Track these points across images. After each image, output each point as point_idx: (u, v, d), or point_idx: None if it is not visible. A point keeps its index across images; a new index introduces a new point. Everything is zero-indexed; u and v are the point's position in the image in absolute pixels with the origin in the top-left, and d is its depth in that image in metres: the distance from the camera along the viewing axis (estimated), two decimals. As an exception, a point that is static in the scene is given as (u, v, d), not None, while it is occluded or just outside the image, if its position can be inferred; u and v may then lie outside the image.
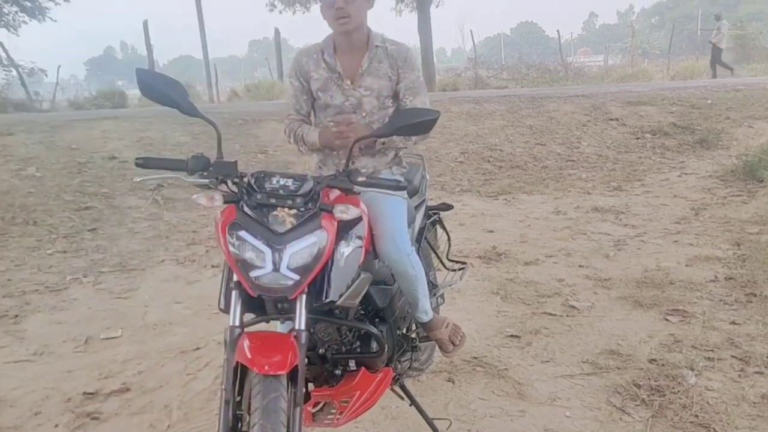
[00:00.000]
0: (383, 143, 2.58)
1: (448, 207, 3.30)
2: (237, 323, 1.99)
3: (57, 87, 22.75)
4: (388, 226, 2.43)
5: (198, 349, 3.67)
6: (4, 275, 5.04)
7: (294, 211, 1.94)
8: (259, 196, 1.97)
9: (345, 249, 2.17)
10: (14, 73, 20.92)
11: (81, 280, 4.96)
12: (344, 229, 2.19)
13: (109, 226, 6.37)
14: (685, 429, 2.64)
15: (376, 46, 2.57)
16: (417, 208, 2.87)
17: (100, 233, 6.19)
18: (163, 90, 2.05)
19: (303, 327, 1.96)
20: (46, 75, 22.84)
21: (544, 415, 2.85)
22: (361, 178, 2.12)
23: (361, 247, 2.24)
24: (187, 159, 2.06)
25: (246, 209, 1.97)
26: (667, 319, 3.85)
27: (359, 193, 2.25)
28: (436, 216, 3.22)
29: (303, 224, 1.93)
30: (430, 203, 3.24)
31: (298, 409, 1.86)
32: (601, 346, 3.52)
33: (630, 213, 6.66)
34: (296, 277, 1.88)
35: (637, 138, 10.41)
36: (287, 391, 1.80)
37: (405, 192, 2.57)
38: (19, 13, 21.17)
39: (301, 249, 1.90)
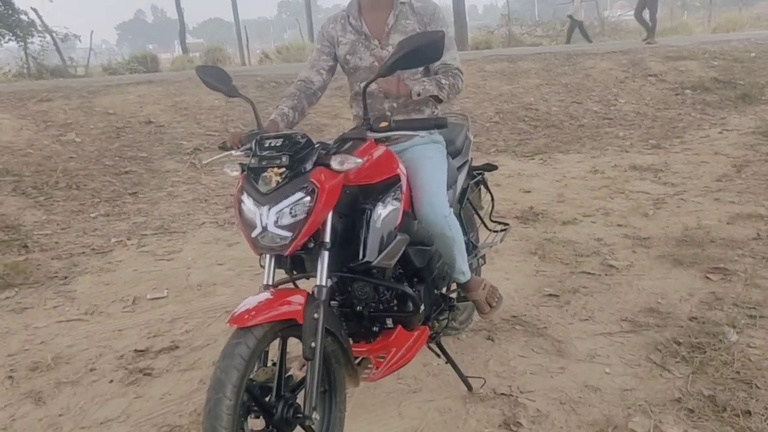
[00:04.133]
0: (418, 96, 2.37)
1: (492, 167, 3.29)
2: (269, 282, 2.06)
3: (91, 52, 22.99)
4: (427, 188, 2.43)
5: (242, 308, 3.76)
6: (51, 238, 5.20)
7: (282, 170, 1.95)
8: (253, 161, 2.00)
9: (382, 210, 2.20)
10: (48, 39, 21.17)
11: (125, 243, 5.10)
12: (382, 190, 2.22)
13: (149, 190, 6.51)
14: (726, 385, 2.63)
15: (402, 2, 2.53)
16: (459, 168, 2.87)
17: (141, 197, 6.33)
18: (213, 81, 2.31)
19: (323, 283, 2.01)
20: (80, 40, 23.10)
21: (583, 372, 2.87)
22: (383, 123, 2.10)
23: (398, 209, 2.27)
24: (245, 136, 2.21)
25: (249, 173, 2.01)
26: (707, 278, 3.82)
27: (385, 141, 2.24)
28: (480, 176, 3.22)
29: (290, 182, 1.93)
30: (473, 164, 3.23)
31: (311, 362, 1.91)
32: (641, 305, 3.51)
33: (669, 171, 6.55)
34: (288, 233, 1.90)
35: (677, 94, 10.18)
36: (261, 341, 1.83)
37: (444, 143, 2.61)
38: (51, -23, 21.30)
39: (288, 206, 1.90)
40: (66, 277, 4.42)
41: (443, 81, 2.43)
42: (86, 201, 6.14)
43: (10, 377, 3.09)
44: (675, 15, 26.34)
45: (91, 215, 5.79)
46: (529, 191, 6.08)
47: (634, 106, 9.73)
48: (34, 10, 20.92)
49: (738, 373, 2.73)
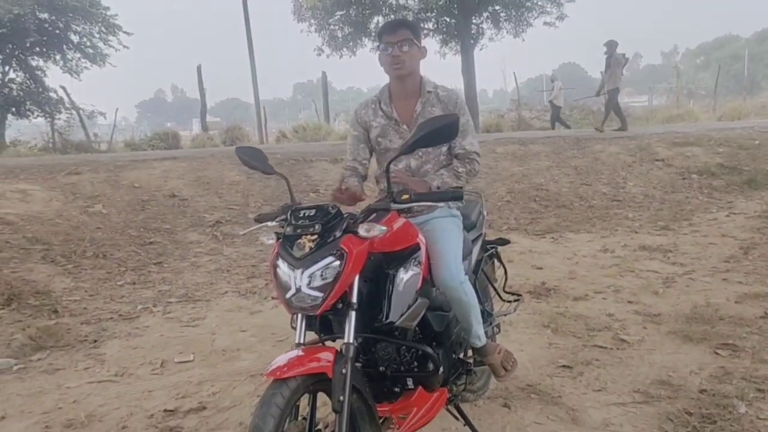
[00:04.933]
0: (437, 188, 2.78)
1: (505, 242, 3.50)
2: (301, 340, 2.24)
3: (114, 128, 23.80)
4: (444, 256, 2.64)
5: (266, 373, 3.90)
6: (80, 304, 5.40)
7: (314, 237, 2.17)
8: (288, 229, 2.23)
9: (404, 275, 2.42)
10: (74, 114, 21.98)
11: (151, 309, 5.28)
12: (404, 257, 2.43)
13: (173, 260, 6.74)
14: (736, 454, 2.74)
15: (428, 91, 2.84)
16: (474, 241, 3.08)
17: (165, 266, 6.55)
18: (250, 159, 2.57)
19: (350, 340, 2.19)
20: (105, 117, 23.95)
21: (598, 439, 2.98)
22: (405, 196, 2.34)
23: (419, 274, 2.47)
24: (278, 209, 2.45)
25: (284, 241, 2.23)
26: (717, 353, 3.93)
27: (405, 211, 2.47)
28: (494, 250, 3.42)
29: (321, 247, 2.15)
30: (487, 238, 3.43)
31: (339, 415, 2.05)
32: (652, 377, 3.63)
33: (678, 251, 6.73)
34: (319, 294, 2.11)
35: (684, 178, 10.46)
36: (294, 393, 1.98)
37: (461, 217, 2.85)
38: (82, 59, 22.35)
39: (319, 269, 2.11)
40: (95, 341, 4.59)
41: (460, 169, 2.81)
42: (113, 269, 6.37)
43: (46, 433, 3.23)
44: (681, 103, 27.03)
45: (118, 283, 6.01)
46: (541, 268, 6.25)
47: (642, 189, 10.00)
48: (63, 88, 21.88)
49: (747, 442, 2.83)
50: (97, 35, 22.08)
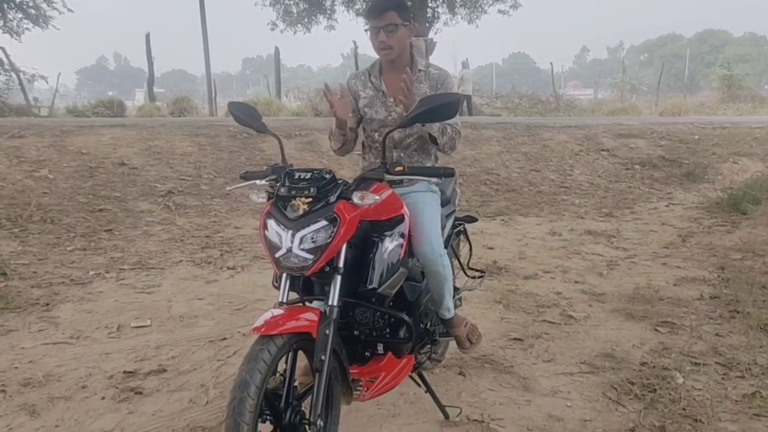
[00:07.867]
0: (416, 137, 2.88)
1: (473, 219, 3.63)
2: (283, 300, 2.30)
3: (56, 94, 22.99)
4: (426, 229, 2.73)
5: (225, 339, 3.94)
6: (29, 268, 5.29)
7: (309, 200, 2.22)
8: (282, 190, 2.28)
9: (389, 244, 2.50)
10: (14, 77, 21.11)
11: (104, 275, 5.22)
12: (389, 226, 2.51)
13: (124, 228, 6.64)
14: (673, 419, 2.94)
15: (420, 69, 2.90)
16: (447, 217, 3.18)
17: (117, 234, 6.45)
18: (243, 116, 2.61)
19: (334, 303, 2.26)
20: (47, 81, 23.08)
21: (547, 405, 3.14)
22: (398, 168, 2.42)
23: (402, 244, 2.56)
24: (267, 168, 2.52)
25: (276, 201, 2.28)
26: (657, 330, 4.17)
27: (396, 183, 2.55)
28: (462, 226, 3.53)
29: (316, 211, 2.20)
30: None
31: (319, 374, 2.13)
32: (597, 350, 3.83)
33: (621, 237, 7.02)
34: (309, 256, 2.16)
35: (627, 169, 10.86)
36: (280, 349, 2.05)
37: (440, 193, 2.93)
38: (24, 20, 21.46)
39: (312, 232, 2.17)
40: (47, 304, 4.52)
41: (448, 129, 2.79)
42: (62, 235, 6.24)
43: (3, 391, 3.20)
44: (625, 97, 27.86)
45: (68, 248, 5.89)
46: (492, 248, 6.44)
47: (588, 177, 10.34)
48: (2, 49, 20.96)
49: (684, 409, 3.04)
50: (41, -5, 21.23)
